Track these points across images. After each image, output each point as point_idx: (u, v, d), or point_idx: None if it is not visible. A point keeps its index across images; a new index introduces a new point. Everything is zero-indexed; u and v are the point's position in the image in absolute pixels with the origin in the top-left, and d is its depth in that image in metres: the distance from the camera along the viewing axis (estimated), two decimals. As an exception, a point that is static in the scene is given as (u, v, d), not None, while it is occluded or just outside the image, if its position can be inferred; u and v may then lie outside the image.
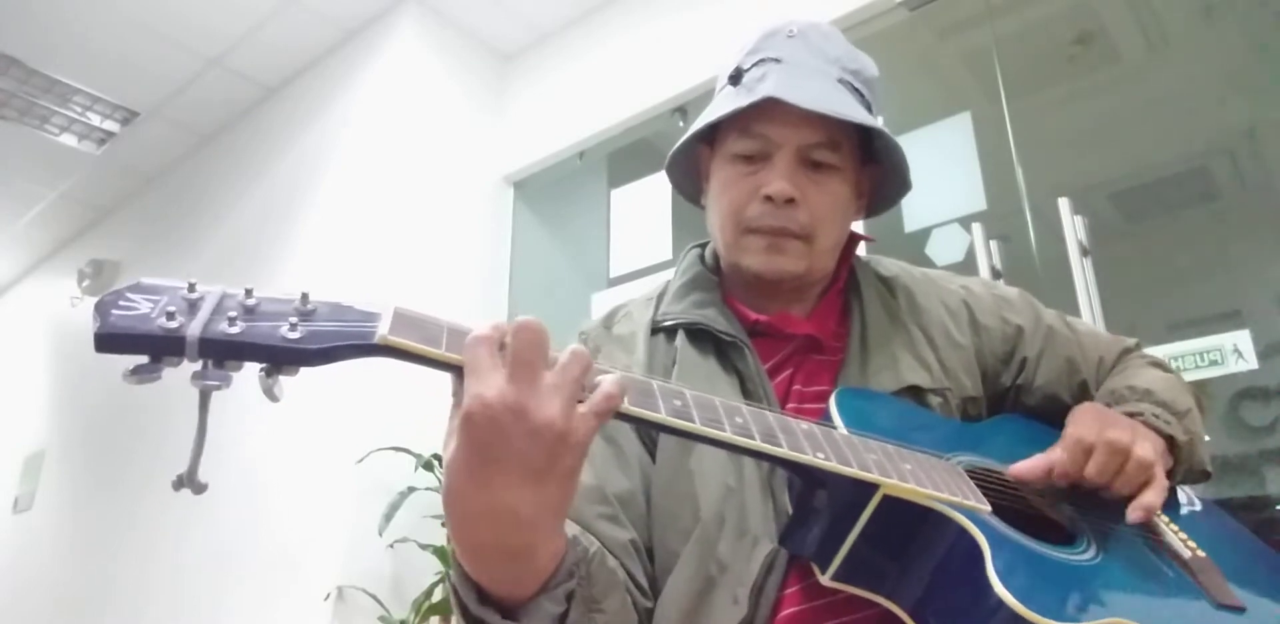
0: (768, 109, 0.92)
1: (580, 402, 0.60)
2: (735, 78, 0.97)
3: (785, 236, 0.94)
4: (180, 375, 0.58)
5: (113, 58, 3.63)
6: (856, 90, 0.97)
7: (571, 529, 0.74)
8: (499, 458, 0.59)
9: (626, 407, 0.64)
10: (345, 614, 2.47)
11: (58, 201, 4.71)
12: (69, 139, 4.15)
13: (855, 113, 0.92)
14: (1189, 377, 1.83)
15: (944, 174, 2.35)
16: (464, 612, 0.67)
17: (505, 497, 0.60)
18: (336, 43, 3.59)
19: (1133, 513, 0.81)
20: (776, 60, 0.96)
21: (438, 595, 2.39)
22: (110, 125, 4.08)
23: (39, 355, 4.98)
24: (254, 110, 3.96)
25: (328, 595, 2.47)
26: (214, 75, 3.75)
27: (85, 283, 4.51)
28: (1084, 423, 0.86)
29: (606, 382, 0.61)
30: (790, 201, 0.93)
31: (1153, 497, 0.82)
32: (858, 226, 1.08)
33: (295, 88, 3.77)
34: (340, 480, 2.64)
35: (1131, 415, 0.91)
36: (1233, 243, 2.15)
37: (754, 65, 0.97)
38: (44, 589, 3.98)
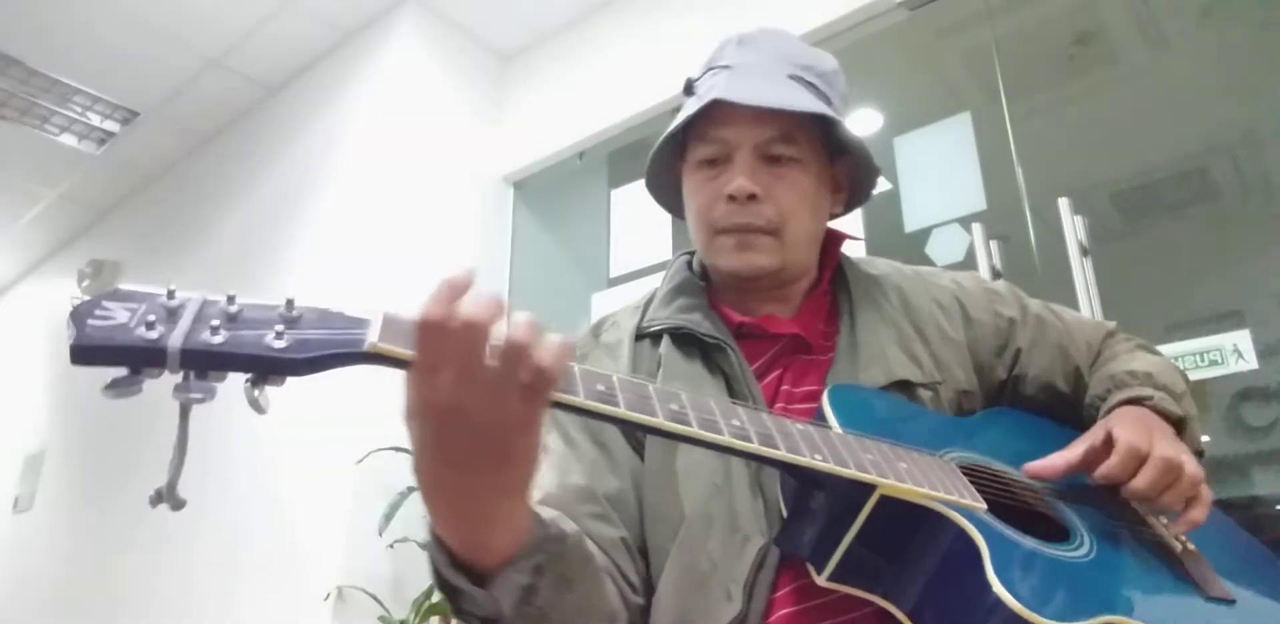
0: (720, 113, 0.95)
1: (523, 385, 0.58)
2: (688, 89, 1.02)
3: (753, 233, 0.96)
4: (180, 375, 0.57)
5: (113, 58, 3.62)
6: (810, 84, 0.98)
7: (550, 513, 0.75)
8: (448, 451, 0.60)
9: (625, 412, 0.63)
10: (345, 614, 2.47)
11: (58, 201, 4.71)
12: (69, 139, 4.15)
13: (801, 103, 0.94)
14: (1189, 377, 1.83)
15: (944, 174, 2.35)
16: (437, 574, 0.69)
17: (458, 480, 0.61)
18: (336, 43, 3.59)
19: (1178, 527, 0.84)
20: (726, 67, 0.99)
21: (438, 596, 2.38)
22: (110, 125, 4.08)
23: (39, 355, 4.98)
24: (254, 110, 3.96)
25: (328, 595, 2.47)
26: (214, 75, 3.75)
27: (85, 283, 4.51)
28: (1133, 429, 0.86)
29: (544, 357, 0.57)
30: (752, 198, 0.95)
31: (1199, 513, 0.84)
32: (856, 228, 1.09)
33: (295, 88, 3.77)
34: (340, 480, 2.64)
35: (1139, 401, 0.92)
36: (1233, 243, 2.15)
37: (705, 75, 1.01)
38: (44, 589, 3.98)
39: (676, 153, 1.05)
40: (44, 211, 4.82)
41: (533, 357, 0.57)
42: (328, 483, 2.69)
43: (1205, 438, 1.00)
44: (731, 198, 0.95)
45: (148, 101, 3.92)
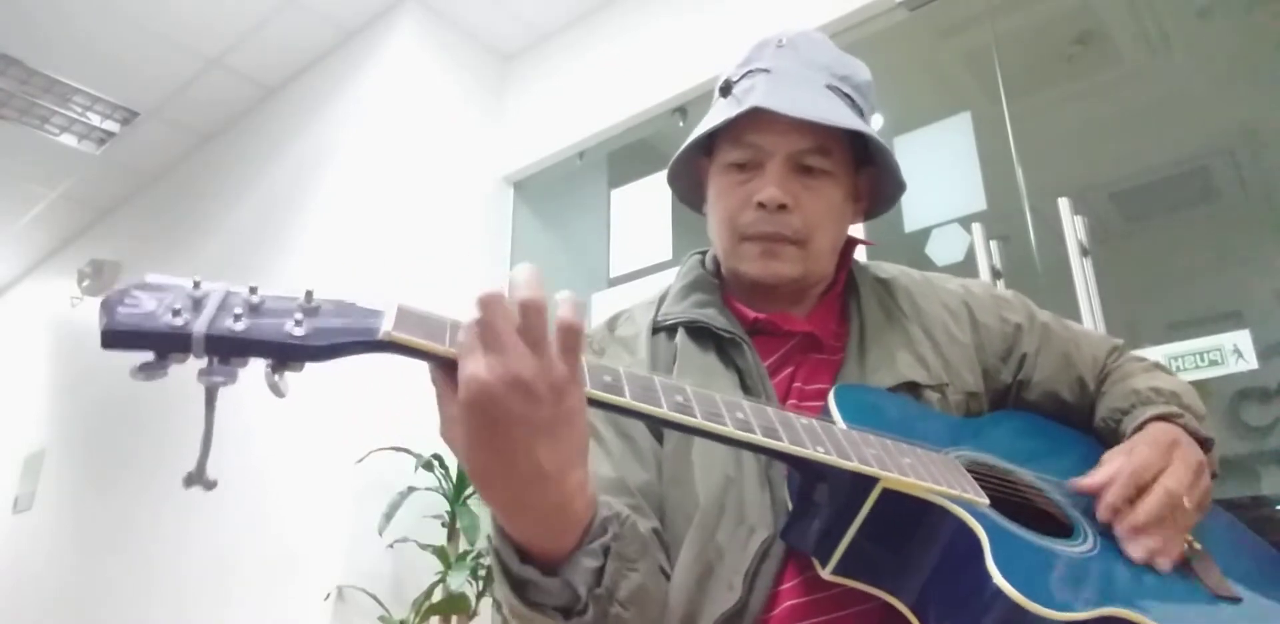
0: (757, 118, 0.94)
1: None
2: (725, 90, 1.01)
3: (779, 242, 0.96)
4: (180, 375, 0.58)
5: (113, 58, 3.63)
6: (846, 95, 0.98)
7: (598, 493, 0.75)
8: (509, 428, 0.59)
9: (630, 402, 0.64)
10: (345, 614, 2.47)
11: (58, 201, 4.72)
12: (69, 139, 4.16)
13: (841, 118, 0.94)
14: (1189, 376, 1.83)
15: (944, 174, 2.35)
16: (505, 572, 0.68)
17: (527, 459, 0.61)
18: (336, 43, 3.59)
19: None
20: (765, 70, 0.98)
21: (438, 595, 2.39)
22: (110, 125, 4.08)
23: (39, 355, 4.98)
24: (254, 110, 3.97)
25: (328, 595, 2.47)
26: (214, 75, 3.76)
27: (85, 283, 4.52)
28: (1150, 450, 0.86)
29: (559, 315, 0.61)
30: (782, 207, 0.95)
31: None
32: (857, 231, 1.09)
33: (295, 88, 3.77)
34: (340, 480, 2.64)
35: (1169, 418, 0.92)
36: (1233, 243, 2.15)
37: (743, 77, 1.00)
38: (44, 589, 3.98)
39: (703, 149, 1.05)
40: (44, 211, 4.82)
41: (552, 313, 0.60)
42: (328, 483, 2.69)
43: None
44: (761, 205, 0.95)
45: (148, 101, 3.92)
